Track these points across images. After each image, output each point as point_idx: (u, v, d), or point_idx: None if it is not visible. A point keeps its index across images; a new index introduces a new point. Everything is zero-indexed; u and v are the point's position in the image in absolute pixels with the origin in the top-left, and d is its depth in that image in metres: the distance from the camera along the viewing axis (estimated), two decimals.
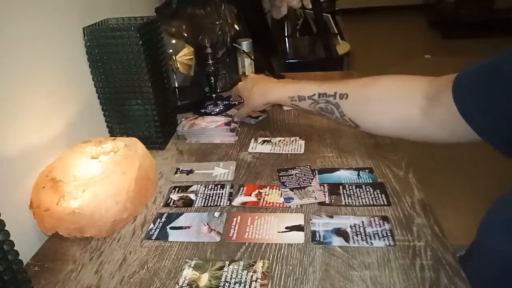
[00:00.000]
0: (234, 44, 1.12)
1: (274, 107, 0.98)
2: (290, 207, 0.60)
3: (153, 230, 0.58)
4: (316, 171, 0.68)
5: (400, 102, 0.61)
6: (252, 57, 1.15)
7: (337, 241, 0.53)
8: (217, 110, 0.96)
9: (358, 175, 0.67)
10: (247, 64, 1.15)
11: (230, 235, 0.56)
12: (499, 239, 0.45)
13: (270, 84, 0.78)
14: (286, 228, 0.56)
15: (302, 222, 0.57)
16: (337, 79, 1.13)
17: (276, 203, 0.62)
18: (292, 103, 0.73)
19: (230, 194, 0.65)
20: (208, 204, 0.63)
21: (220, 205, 0.62)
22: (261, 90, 0.78)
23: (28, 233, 0.60)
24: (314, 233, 0.55)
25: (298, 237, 0.54)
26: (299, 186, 0.65)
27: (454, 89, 0.53)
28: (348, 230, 0.54)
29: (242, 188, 0.66)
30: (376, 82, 0.64)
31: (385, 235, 0.53)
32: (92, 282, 0.50)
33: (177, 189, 0.68)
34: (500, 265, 0.46)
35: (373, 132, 0.68)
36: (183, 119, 0.89)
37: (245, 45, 1.13)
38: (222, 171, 0.72)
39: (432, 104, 0.57)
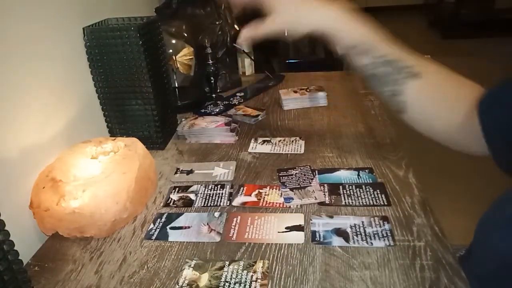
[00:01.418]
0: (234, 44, 1.12)
1: (274, 106, 0.98)
2: (290, 207, 0.60)
3: (153, 230, 0.58)
4: (316, 171, 0.68)
5: (460, 105, 0.53)
6: (252, 57, 1.15)
7: (337, 241, 0.53)
8: (217, 110, 0.96)
9: (358, 175, 0.67)
10: (247, 64, 1.15)
11: (230, 235, 0.56)
12: (496, 237, 0.45)
13: (335, 7, 0.55)
14: (286, 228, 0.56)
15: (302, 222, 0.57)
16: (337, 79, 1.14)
17: (276, 203, 0.62)
18: (355, 50, 0.55)
19: (230, 194, 0.65)
20: (208, 204, 0.63)
21: (220, 205, 0.62)
22: (316, 6, 0.55)
23: (28, 233, 0.60)
24: (314, 233, 0.54)
25: (298, 237, 0.54)
26: (299, 186, 0.65)
27: (478, 109, 0.49)
28: (348, 230, 0.54)
29: (242, 188, 0.66)
30: (453, 76, 0.55)
31: (385, 235, 0.53)
32: (92, 282, 0.50)
33: (177, 189, 0.68)
34: (497, 262, 0.46)
35: (414, 125, 0.57)
36: (183, 119, 0.89)
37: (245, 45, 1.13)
38: (222, 171, 0.71)
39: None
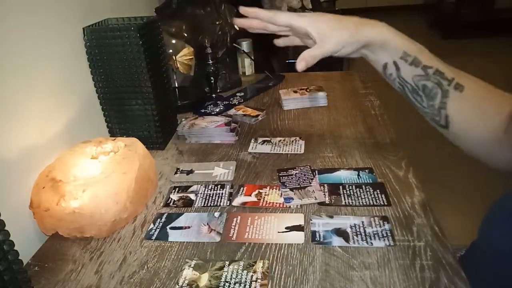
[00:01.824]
0: (234, 44, 1.12)
1: (274, 106, 0.98)
2: (290, 207, 0.60)
3: (153, 230, 0.58)
4: (316, 171, 0.68)
5: (498, 115, 0.53)
6: (252, 57, 1.15)
7: (337, 241, 0.53)
8: (217, 110, 0.96)
9: (358, 175, 0.67)
10: (247, 64, 1.15)
11: (230, 235, 0.56)
12: (496, 234, 0.45)
13: (381, 23, 0.58)
14: (286, 228, 0.56)
15: (302, 222, 0.57)
16: (337, 79, 1.14)
17: (276, 203, 0.62)
18: (399, 61, 0.56)
19: (230, 194, 0.65)
20: (208, 204, 0.63)
21: (220, 205, 0.62)
22: (366, 22, 0.57)
23: (28, 233, 0.60)
24: (314, 233, 0.54)
25: (298, 237, 0.54)
26: (299, 186, 0.65)
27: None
28: (348, 230, 0.54)
29: (242, 188, 0.66)
30: (498, 93, 0.55)
31: (385, 235, 0.53)
32: (92, 282, 0.50)
33: (177, 189, 0.68)
34: (497, 259, 0.46)
35: (456, 139, 0.57)
36: (183, 119, 0.89)
37: (245, 45, 1.13)
38: (222, 171, 0.71)
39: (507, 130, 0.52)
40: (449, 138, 0.57)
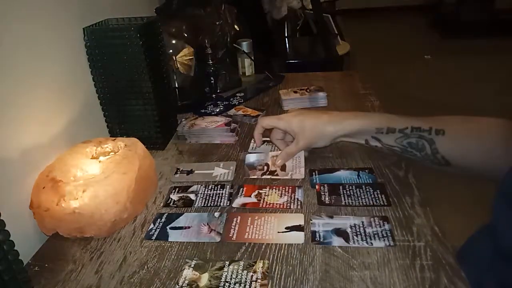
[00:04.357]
0: (234, 45, 1.12)
1: (274, 107, 0.98)
2: (290, 207, 0.60)
3: (153, 230, 0.58)
4: (316, 171, 0.68)
5: (488, 139, 0.58)
6: (252, 57, 1.15)
7: (337, 241, 0.53)
8: (217, 110, 0.96)
9: (358, 175, 0.67)
10: (247, 64, 1.15)
11: (230, 235, 0.56)
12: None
13: (345, 114, 0.67)
14: (286, 228, 0.56)
15: (302, 222, 0.57)
16: (337, 79, 1.14)
17: (276, 203, 0.62)
18: (376, 136, 0.64)
19: (230, 194, 0.65)
20: (208, 204, 0.63)
21: (220, 205, 0.62)
22: (334, 119, 0.65)
23: (28, 233, 0.60)
24: (314, 233, 0.55)
25: (298, 237, 0.54)
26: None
27: None
28: (348, 230, 0.54)
29: (241, 189, 0.66)
30: (476, 120, 0.61)
31: (385, 235, 0.53)
32: (92, 282, 0.50)
33: (177, 189, 0.68)
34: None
35: (461, 171, 0.62)
36: (183, 119, 0.89)
37: (245, 45, 1.13)
38: (222, 171, 0.72)
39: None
40: (456, 172, 0.61)
